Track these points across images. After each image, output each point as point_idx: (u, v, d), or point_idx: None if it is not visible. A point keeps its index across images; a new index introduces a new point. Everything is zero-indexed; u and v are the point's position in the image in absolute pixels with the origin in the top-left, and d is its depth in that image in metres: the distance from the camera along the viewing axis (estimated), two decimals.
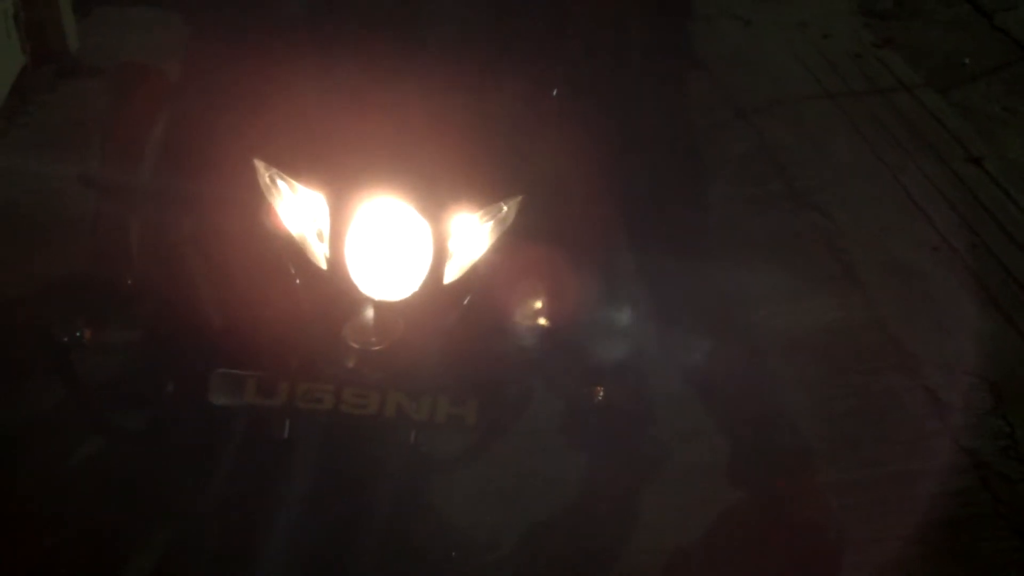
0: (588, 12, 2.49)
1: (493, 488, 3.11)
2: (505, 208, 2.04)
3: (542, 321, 2.31)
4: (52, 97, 5.45)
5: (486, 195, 2.01)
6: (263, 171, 2.00)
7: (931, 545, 3.17)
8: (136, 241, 2.49)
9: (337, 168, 1.94)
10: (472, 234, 2.01)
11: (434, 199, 1.93)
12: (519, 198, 2.04)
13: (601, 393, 2.56)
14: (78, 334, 2.11)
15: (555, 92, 2.22)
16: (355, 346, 2.00)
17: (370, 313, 1.99)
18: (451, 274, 2.00)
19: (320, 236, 1.97)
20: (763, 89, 5.45)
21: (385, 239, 1.94)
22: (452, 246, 1.98)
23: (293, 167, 1.97)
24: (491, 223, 2.03)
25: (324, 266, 1.96)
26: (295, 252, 2.00)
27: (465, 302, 2.06)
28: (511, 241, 2.05)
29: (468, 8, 2.13)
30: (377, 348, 2.00)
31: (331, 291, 1.95)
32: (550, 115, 2.19)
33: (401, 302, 1.95)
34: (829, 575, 3.11)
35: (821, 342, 3.87)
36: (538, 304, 2.26)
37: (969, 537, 3.21)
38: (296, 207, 1.99)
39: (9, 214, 4.26)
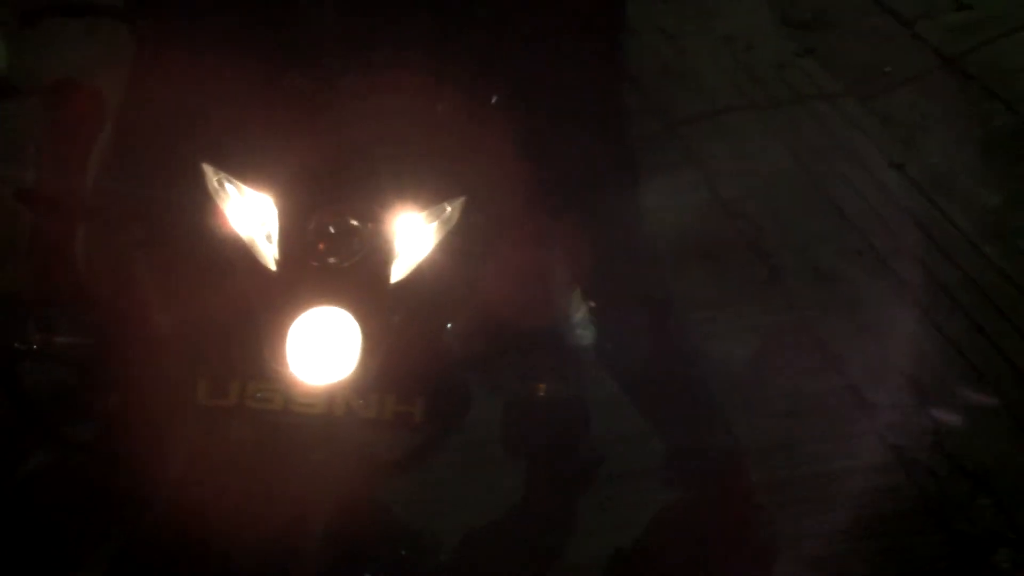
0: (528, 24, 2.54)
1: (436, 490, 3.17)
2: (448, 209, 2.09)
3: (486, 320, 2.36)
4: None
5: (429, 196, 2.06)
6: (211, 175, 2.04)
7: (861, 541, 3.25)
8: (81, 250, 2.51)
9: (284, 172, 1.98)
10: (417, 234, 2.06)
11: (375, 201, 1.98)
12: (462, 199, 2.09)
13: (543, 391, 2.62)
14: (29, 342, 2.14)
15: (494, 100, 2.28)
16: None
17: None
18: (397, 274, 2.05)
19: (268, 238, 2.01)
20: (690, 102, 5.55)
21: (331, 242, 1.98)
22: (397, 247, 2.03)
23: (240, 170, 2.01)
24: (435, 224, 2.08)
25: (273, 267, 2.01)
26: (243, 254, 2.04)
27: (412, 303, 2.10)
28: (455, 241, 2.10)
29: (411, 19, 2.18)
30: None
31: (279, 292, 1.99)
32: (490, 122, 2.25)
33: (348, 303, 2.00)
34: (762, 572, 3.18)
35: (751, 346, 3.96)
36: (482, 304, 2.31)
37: (898, 532, 3.29)
38: (244, 210, 2.03)
39: None
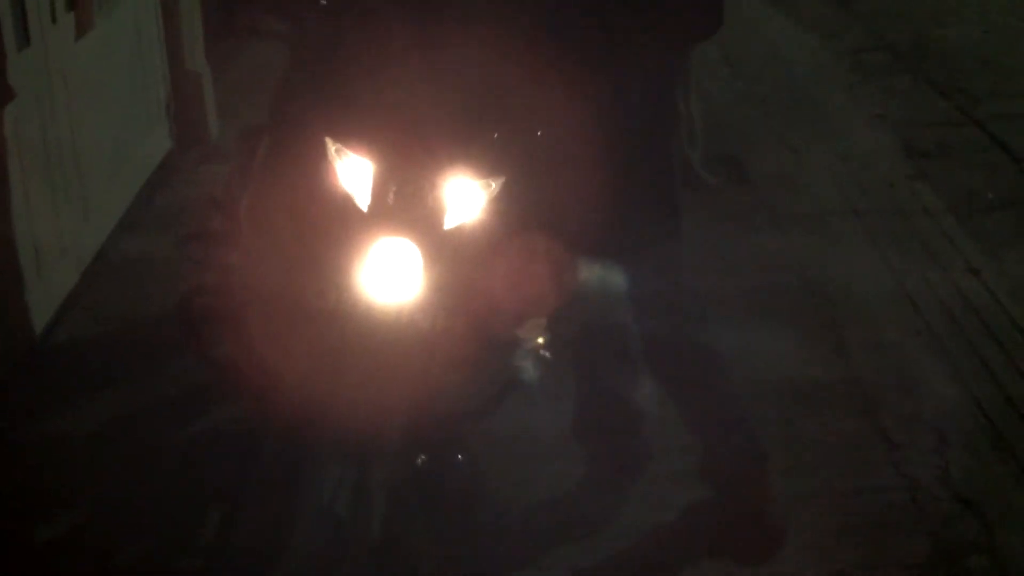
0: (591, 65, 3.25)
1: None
2: (493, 184, 2.93)
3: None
4: (192, 176, 6.54)
5: (478, 172, 2.90)
6: (331, 145, 2.92)
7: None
8: (245, 209, 3.41)
9: (378, 145, 2.86)
10: (467, 198, 2.91)
11: (437, 171, 2.84)
12: (503, 179, 2.94)
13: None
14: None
15: (539, 133, 3.08)
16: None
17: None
18: (450, 223, 2.89)
19: (364, 191, 2.88)
20: (798, 204, 6.33)
21: (405, 197, 2.84)
22: (450, 205, 2.87)
23: (350, 142, 2.90)
24: (483, 192, 2.93)
25: (365, 210, 2.87)
26: (346, 200, 2.91)
27: (459, 246, 2.93)
28: (497, 209, 2.93)
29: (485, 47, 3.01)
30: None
31: (367, 228, 2.86)
32: (534, 149, 3.05)
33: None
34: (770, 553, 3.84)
35: (805, 392, 4.65)
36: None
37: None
38: (349, 170, 2.90)
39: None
